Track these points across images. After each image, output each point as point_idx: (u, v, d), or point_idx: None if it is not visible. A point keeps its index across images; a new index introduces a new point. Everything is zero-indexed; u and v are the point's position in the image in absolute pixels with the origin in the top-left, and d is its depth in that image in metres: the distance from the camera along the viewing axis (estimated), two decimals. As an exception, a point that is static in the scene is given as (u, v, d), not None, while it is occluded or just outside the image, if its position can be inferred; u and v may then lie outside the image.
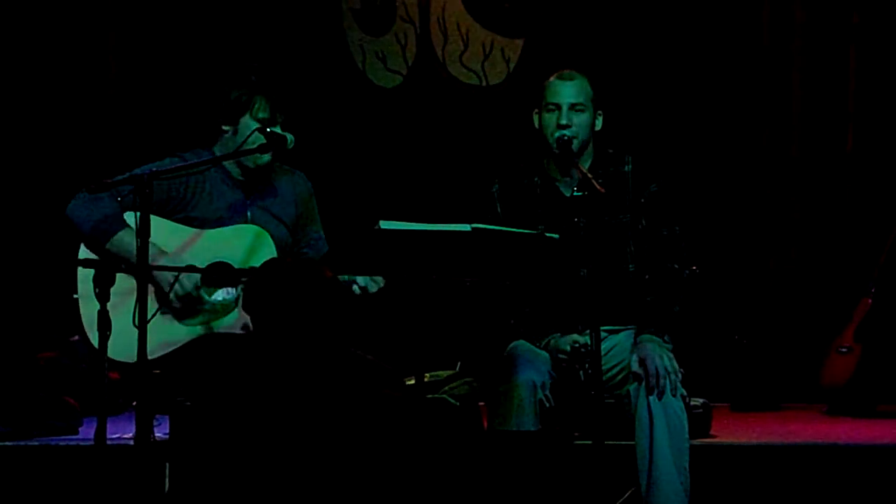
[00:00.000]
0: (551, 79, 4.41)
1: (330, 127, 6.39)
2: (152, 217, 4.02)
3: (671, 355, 4.24)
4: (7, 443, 4.88)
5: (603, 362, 4.01)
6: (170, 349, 4.23)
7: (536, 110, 4.42)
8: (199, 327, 4.29)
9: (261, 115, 4.36)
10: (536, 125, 4.42)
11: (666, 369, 4.18)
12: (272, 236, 4.35)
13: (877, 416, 5.64)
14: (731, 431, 5.15)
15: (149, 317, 3.84)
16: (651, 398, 4.16)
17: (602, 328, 4.12)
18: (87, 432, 5.04)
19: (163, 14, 6.44)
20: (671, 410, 4.17)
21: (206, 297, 4.31)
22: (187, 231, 4.34)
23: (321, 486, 3.66)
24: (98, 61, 6.43)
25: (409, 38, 6.55)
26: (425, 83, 6.52)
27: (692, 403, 4.62)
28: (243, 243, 4.34)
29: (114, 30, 6.45)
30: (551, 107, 4.35)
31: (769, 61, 6.36)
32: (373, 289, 4.29)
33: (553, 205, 4.41)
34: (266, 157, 4.40)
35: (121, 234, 4.25)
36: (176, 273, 4.22)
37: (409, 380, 4.37)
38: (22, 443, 4.89)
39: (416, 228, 3.75)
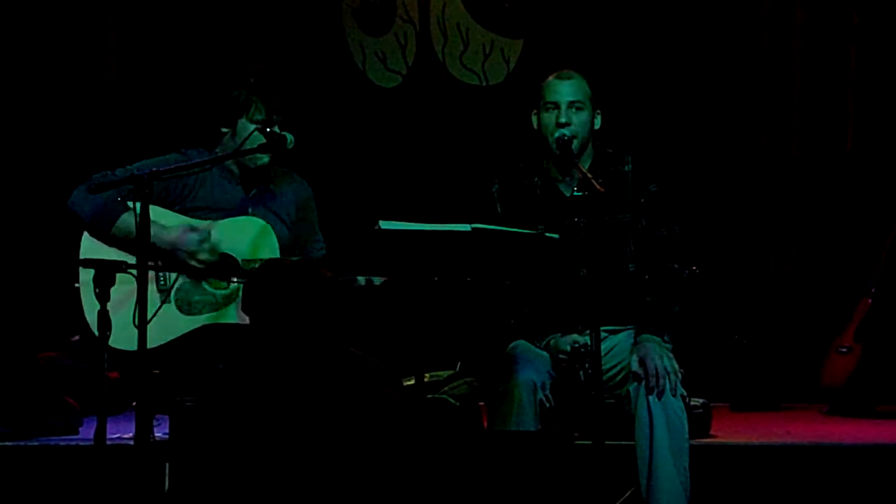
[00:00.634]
0: (549, 78, 4.41)
1: (330, 127, 6.40)
2: (159, 209, 4.06)
3: (671, 355, 4.24)
4: (7, 443, 4.88)
5: (603, 362, 4.01)
6: (170, 338, 4.25)
7: (535, 111, 4.42)
8: (200, 318, 4.31)
9: (258, 118, 4.37)
10: (535, 126, 4.42)
11: (666, 369, 4.17)
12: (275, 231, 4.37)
13: (877, 416, 5.64)
14: (731, 431, 5.15)
15: (150, 315, 3.86)
16: (651, 398, 4.16)
17: (602, 328, 4.12)
18: (87, 432, 5.04)
19: (163, 13, 6.44)
20: (671, 410, 4.16)
21: (209, 288, 4.33)
22: (191, 222, 4.35)
23: (321, 487, 3.66)
24: (98, 60, 6.43)
25: (409, 38, 6.55)
26: (425, 83, 6.52)
27: (692, 403, 4.62)
28: (248, 236, 4.35)
29: (114, 29, 6.45)
30: (550, 106, 4.35)
31: (769, 61, 6.36)
32: (378, 280, 4.29)
33: (553, 205, 4.41)
34: (265, 159, 4.41)
35: (124, 216, 4.26)
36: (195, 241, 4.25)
37: (409, 380, 4.37)
38: (22, 443, 4.89)
39: (416, 228, 3.75)
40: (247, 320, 4.17)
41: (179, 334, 4.28)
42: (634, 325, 4.37)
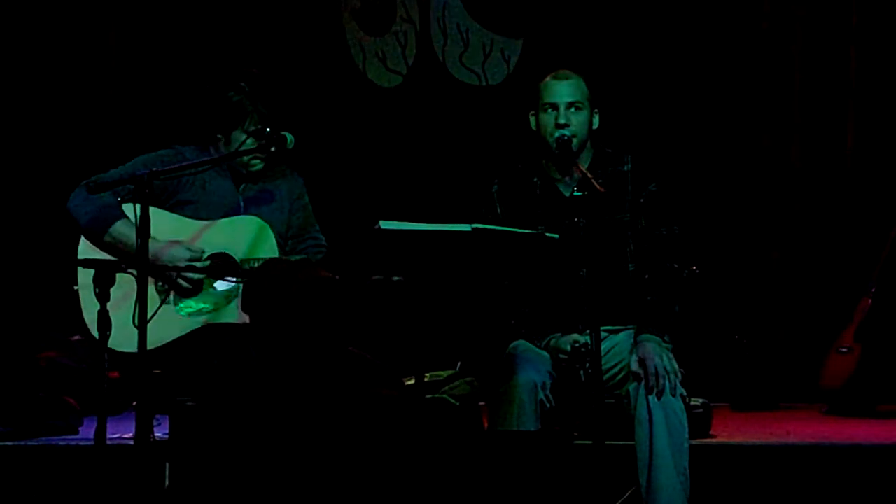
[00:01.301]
0: (547, 79, 4.41)
1: (330, 127, 6.39)
2: (155, 209, 4.05)
3: (671, 355, 4.24)
4: (7, 443, 4.88)
5: (603, 362, 4.01)
6: (169, 339, 4.25)
7: (532, 112, 4.41)
8: (199, 318, 4.31)
9: (251, 128, 4.38)
10: (533, 126, 4.42)
11: (665, 369, 4.17)
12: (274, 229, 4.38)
13: (877, 416, 5.64)
14: (731, 431, 5.15)
15: (150, 314, 3.86)
16: (651, 398, 4.16)
17: (602, 328, 4.12)
18: (87, 432, 5.04)
19: (163, 13, 6.44)
20: (671, 410, 4.16)
21: (207, 288, 4.34)
22: (190, 223, 4.35)
23: (320, 486, 3.66)
24: (98, 60, 6.43)
25: (409, 38, 6.55)
26: (425, 83, 6.52)
27: (692, 403, 4.62)
28: (246, 235, 4.36)
29: (114, 29, 6.45)
30: (548, 107, 4.35)
31: (770, 62, 6.36)
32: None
33: (552, 205, 4.41)
34: (259, 165, 4.42)
35: (118, 224, 4.26)
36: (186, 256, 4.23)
37: (409, 380, 4.37)
38: (22, 443, 4.89)
39: (416, 228, 3.75)
40: (246, 319, 4.17)
41: (179, 335, 4.28)
42: (634, 325, 4.37)
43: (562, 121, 4.33)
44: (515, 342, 4.37)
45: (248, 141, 4.35)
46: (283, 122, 4.40)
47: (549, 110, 4.35)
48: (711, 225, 6.24)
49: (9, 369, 5.48)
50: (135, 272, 3.84)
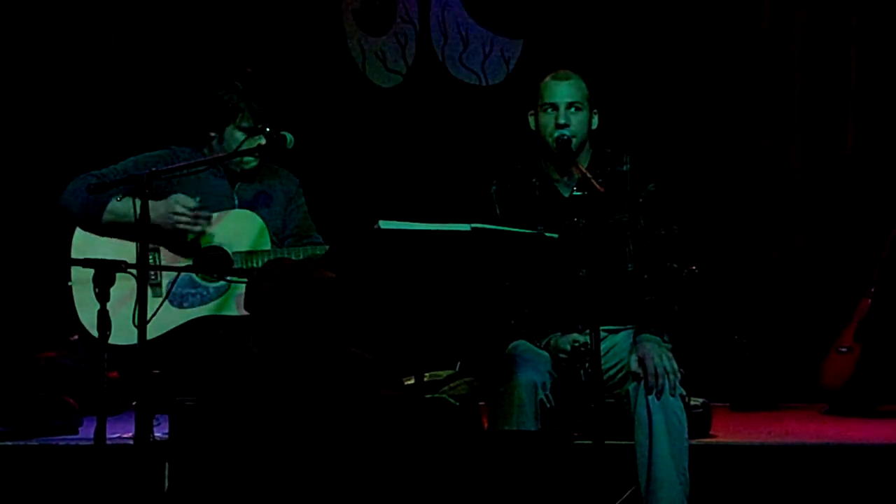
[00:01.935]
0: (546, 79, 4.41)
1: (330, 127, 6.39)
2: (152, 202, 4.06)
3: (670, 355, 4.24)
4: (7, 443, 4.88)
5: (603, 362, 4.01)
6: (162, 332, 4.25)
7: (532, 112, 4.42)
8: (191, 311, 4.32)
9: (244, 125, 4.39)
10: (532, 127, 4.42)
11: (665, 369, 4.18)
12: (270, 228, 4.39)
13: (877, 416, 5.63)
14: (731, 431, 5.15)
15: (150, 314, 3.87)
16: (650, 398, 4.16)
17: (602, 328, 4.12)
18: (87, 432, 5.04)
19: (163, 13, 6.44)
20: (670, 410, 4.16)
21: (200, 281, 4.35)
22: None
23: (320, 487, 3.66)
24: (99, 60, 6.43)
25: (409, 38, 6.55)
26: (425, 83, 6.52)
27: (692, 403, 4.62)
28: (243, 230, 4.37)
29: (114, 30, 6.45)
30: (548, 107, 4.35)
31: (770, 63, 6.36)
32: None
33: (552, 205, 4.41)
34: (253, 163, 4.44)
35: (110, 205, 4.29)
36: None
37: (409, 380, 4.37)
38: (22, 443, 4.89)
39: (416, 228, 3.75)
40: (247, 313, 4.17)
41: (171, 328, 4.29)
42: (634, 324, 4.37)
43: (561, 121, 4.33)
44: (515, 342, 4.37)
45: (245, 139, 4.36)
46: (281, 121, 4.41)
47: (549, 110, 4.35)
48: (711, 225, 6.24)
49: (9, 369, 5.48)
50: (134, 273, 3.85)
